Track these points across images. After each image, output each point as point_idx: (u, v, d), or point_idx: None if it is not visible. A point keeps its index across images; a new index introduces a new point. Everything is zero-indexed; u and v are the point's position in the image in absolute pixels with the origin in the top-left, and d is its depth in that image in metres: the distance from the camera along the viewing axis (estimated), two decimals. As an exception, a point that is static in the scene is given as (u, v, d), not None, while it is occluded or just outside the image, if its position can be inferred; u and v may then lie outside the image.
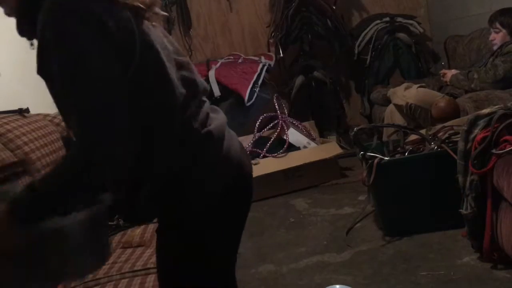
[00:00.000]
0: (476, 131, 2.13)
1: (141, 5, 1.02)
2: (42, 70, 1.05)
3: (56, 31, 0.96)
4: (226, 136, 1.20)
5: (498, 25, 3.21)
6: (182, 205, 1.15)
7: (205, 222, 1.17)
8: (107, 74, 0.97)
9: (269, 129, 3.98)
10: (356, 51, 4.60)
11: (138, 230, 2.10)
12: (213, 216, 1.17)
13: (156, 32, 1.08)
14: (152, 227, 2.13)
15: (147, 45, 1.03)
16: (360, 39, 4.56)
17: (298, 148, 3.89)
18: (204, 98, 1.22)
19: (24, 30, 1.10)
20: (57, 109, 1.12)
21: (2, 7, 1.12)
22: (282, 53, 4.51)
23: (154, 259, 1.78)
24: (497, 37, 3.23)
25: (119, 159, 0.99)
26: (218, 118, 1.21)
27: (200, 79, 1.20)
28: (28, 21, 1.05)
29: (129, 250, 1.91)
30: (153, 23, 1.08)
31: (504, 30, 3.19)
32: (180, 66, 1.13)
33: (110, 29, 0.97)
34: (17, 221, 1.00)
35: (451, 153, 2.38)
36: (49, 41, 0.97)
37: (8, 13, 1.12)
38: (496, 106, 2.17)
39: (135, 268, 1.74)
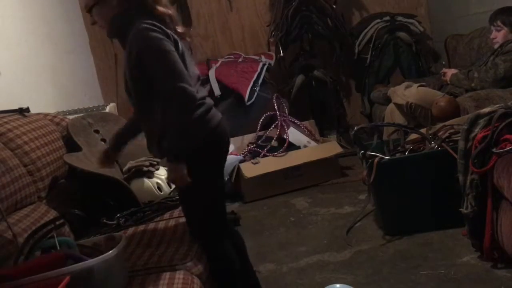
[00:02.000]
0: (476, 130, 2.12)
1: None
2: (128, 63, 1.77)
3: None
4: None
5: (499, 23, 3.21)
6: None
7: (194, 161, 1.75)
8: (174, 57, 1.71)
9: (270, 128, 3.99)
10: (356, 50, 4.60)
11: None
12: (198, 158, 1.76)
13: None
14: (152, 226, 2.13)
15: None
16: (360, 38, 4.56)
17: (298, 147, 3.89)
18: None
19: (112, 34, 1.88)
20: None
21: (98, 21, 1.85)
22: (282, 52, 4.51)
23: (154, 259, 1.79)
24: (499, 35, 3.23)
25: (183, 89, 1.67)
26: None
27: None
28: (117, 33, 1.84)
29: (129, 249, 1.91)
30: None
31: (505, 28, 3.19)
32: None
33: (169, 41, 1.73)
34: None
35: (452, 152, 2.38)
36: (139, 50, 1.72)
37: (101, 26, 1.87)
38: (497, 105, 2.16)
39: (136, 268, 1.74)
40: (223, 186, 1.99)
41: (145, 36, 1.69)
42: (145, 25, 1.69)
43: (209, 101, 1.83)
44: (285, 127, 3.94)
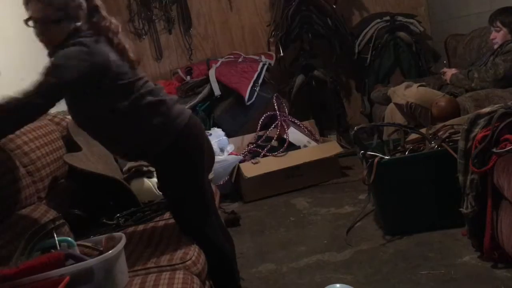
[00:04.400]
0: (476, 130, 2.12)
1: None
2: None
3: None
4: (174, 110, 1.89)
5: (498, 24, 3.21)
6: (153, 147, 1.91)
7: (169, 157, 1.88)
8: None
9: (270, 128, 3.99)
10: (356, 50, 4.60)
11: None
12: (172, 154, 1.88)
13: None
14: (151, 225, 2.13)
15: None
16: (360, 38, 4.56)
17: (298, 147, 3.89)
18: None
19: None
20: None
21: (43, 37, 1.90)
22: (282, 52, 4.51)
23: (154, 258, 1.79)
24: (498, 36, 3.23)
25: None
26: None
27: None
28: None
29: (129, 249, 1.91)
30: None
31: (504, 29, 3.19)
32: None
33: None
34: None
35: (452, 152, 2.38)
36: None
37: (41, 41, 1.94)
38: (497, 105, 2.16)
39: (136, 268, 1.74)
40: (206, 181, 2.03)
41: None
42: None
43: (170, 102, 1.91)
44: (285, 127, 3.94)
